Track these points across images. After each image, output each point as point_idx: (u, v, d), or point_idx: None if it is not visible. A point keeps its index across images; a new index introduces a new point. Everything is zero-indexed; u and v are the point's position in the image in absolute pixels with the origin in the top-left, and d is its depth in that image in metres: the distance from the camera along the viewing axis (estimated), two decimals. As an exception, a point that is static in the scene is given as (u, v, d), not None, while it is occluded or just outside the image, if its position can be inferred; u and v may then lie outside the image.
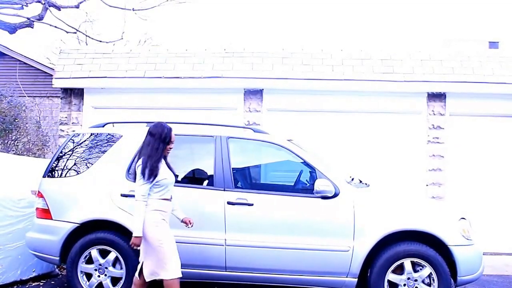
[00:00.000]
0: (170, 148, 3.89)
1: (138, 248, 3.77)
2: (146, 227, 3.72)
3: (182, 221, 4.05)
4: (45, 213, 4.65)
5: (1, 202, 4.96)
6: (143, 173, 3.69)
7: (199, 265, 4.39)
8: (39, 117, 10.80)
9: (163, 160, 3.86)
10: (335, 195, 4.30)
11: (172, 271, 3.70)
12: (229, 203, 4.35)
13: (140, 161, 3.77)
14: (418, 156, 7.60)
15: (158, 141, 3.79)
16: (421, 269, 4.25)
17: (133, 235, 3.70)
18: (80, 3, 9.32)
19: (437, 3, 31.04)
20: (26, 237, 4.80)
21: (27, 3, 8.52)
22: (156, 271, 3.73)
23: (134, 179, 3.82)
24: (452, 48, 8.71)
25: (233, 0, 32.76)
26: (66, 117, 8.06)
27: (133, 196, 4.46)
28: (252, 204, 4.35)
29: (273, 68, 7.67)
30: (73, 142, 4.92)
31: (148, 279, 3.76)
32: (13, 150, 8.90)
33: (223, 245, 4.33)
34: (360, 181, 5.05)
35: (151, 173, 3.70)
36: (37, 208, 4.76)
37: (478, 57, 7.72)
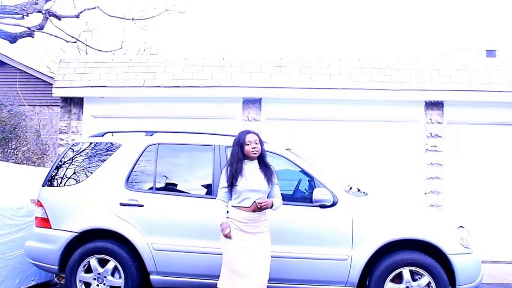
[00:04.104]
0: (252, 148, 3.78)
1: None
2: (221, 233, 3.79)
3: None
4: (44, 222, 4.66)
5: (1, 211, 4.96)
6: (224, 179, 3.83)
7: (196, 274, 4.39)
8: (39, 126, 10.84)
9: (249, 165, 3.80)
10: (334, 204, 4.31)
11: (220, 283, 3.77)
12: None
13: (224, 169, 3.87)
14: (416, 164, 7.62)
15: (235, 146, 3.84)
16: (419, 278, 4.25)
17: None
18: (80, 13, 9.38)
19: (434, 12, 31.27)
20: (25, 246, 4.80)
21: (27, 13, 8.57)
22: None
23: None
24: (450, 56, 8.77)
25: (232, 10, 32.98)
26: (65, 126, 8.09)
27: (132, 205, 4.52)
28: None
29: (272, 77, 7.72)
30: (73, 151, 4.94)
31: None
32: (13, 159, 8.92)
33: (221, 254, 4.32)
34: (359, 190, 5.07)
35: (229, 177, 3.77)
36: (36, 217, 4.77)
37: (475, 66, 7.77)
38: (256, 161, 3.87)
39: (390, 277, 4.25)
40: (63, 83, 7.95)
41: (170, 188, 4.65)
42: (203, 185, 4.64)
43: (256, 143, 3.81)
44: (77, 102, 8.07)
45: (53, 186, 4.80)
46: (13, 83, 11.56)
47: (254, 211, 3.75)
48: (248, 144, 3.79)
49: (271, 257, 3.92)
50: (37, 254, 4.68)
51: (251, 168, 3.81)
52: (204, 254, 4.36)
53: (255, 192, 3.74)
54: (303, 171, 4.52)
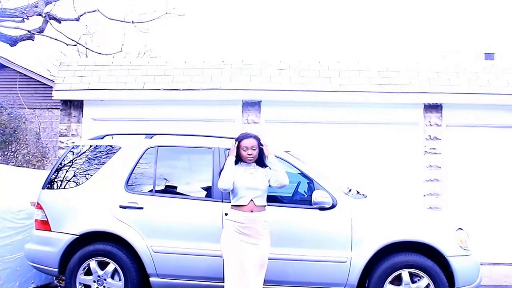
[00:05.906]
0: (248, 154, 3.83)
1: None
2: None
3: None
4: (44, 225, 4.67)
5: (1, 213, 4.97)
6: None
7: (196, 277, 4.40)
8: (39, 129, 10.86)
9: (242, 166, 3.87)
10: (333, 206, 4.32)
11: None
12: (226, 214, 4.37)
13: None
14: (415, 166, 7.63)
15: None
16: (419, 279, 4.25)
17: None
18: (80, 16, 9.40)
19: (433, 15, 31.34)
20: (25, 249, 4.81)
21: (28, 16, 8.60)
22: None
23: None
24: (449, 59, 8.80)
25: (232, 13, 33.06)
26: (65, 129, 8.10)
27: (132, 207, 4.53)
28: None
29: (271, 80, 7.74)
30: (73, 154, 4.95)
31: None
32: (13, 162, 8.93)
33: (220, 257, 4.33)
34: (358, 192, 5.07)
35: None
36: (36, 220, 4.78)
37: (474, 68, 7.80)
38: (254, 162, 3.92)
39: (389, 279, 4.25)
40: (63, 86, 7.97)
41: (170, 190, 4.66)
42: (202, 188, 4.65)
43: (253, 149, 3.84)
44: (77, 104, 8.09)
45: (53, 188, 4.81)
46: (13, 86, 11.58)
47: (252, 210, 3.77)
48: (244, 150, 3.85)
49: (270, 259, 3.95)
50: (37, 257, 4.69)
51: (248, 168, 3.86)
52: (203, 256, 4.37)
53: (251, 190, 3.79)
54: (303, 174, 4.53)
